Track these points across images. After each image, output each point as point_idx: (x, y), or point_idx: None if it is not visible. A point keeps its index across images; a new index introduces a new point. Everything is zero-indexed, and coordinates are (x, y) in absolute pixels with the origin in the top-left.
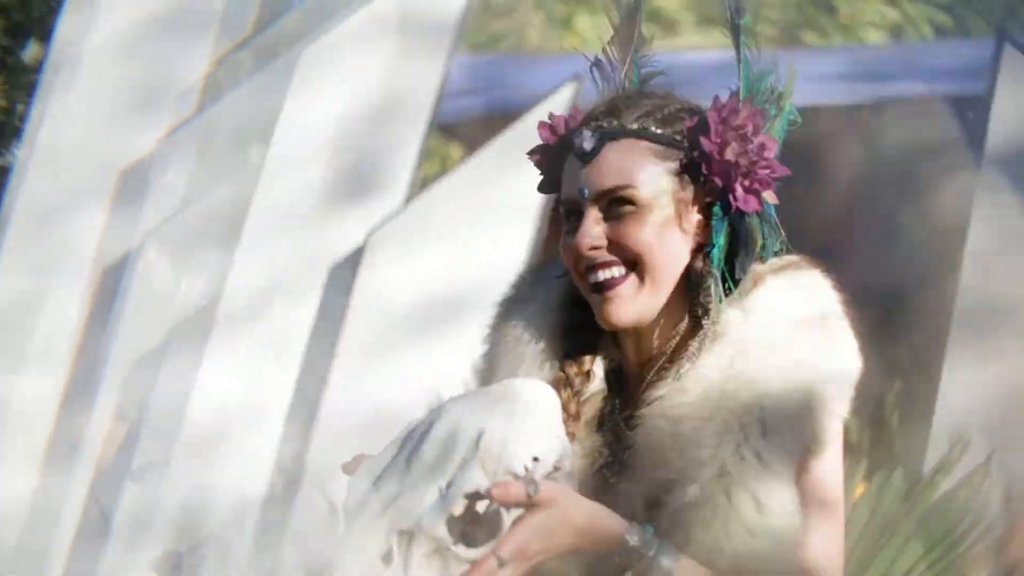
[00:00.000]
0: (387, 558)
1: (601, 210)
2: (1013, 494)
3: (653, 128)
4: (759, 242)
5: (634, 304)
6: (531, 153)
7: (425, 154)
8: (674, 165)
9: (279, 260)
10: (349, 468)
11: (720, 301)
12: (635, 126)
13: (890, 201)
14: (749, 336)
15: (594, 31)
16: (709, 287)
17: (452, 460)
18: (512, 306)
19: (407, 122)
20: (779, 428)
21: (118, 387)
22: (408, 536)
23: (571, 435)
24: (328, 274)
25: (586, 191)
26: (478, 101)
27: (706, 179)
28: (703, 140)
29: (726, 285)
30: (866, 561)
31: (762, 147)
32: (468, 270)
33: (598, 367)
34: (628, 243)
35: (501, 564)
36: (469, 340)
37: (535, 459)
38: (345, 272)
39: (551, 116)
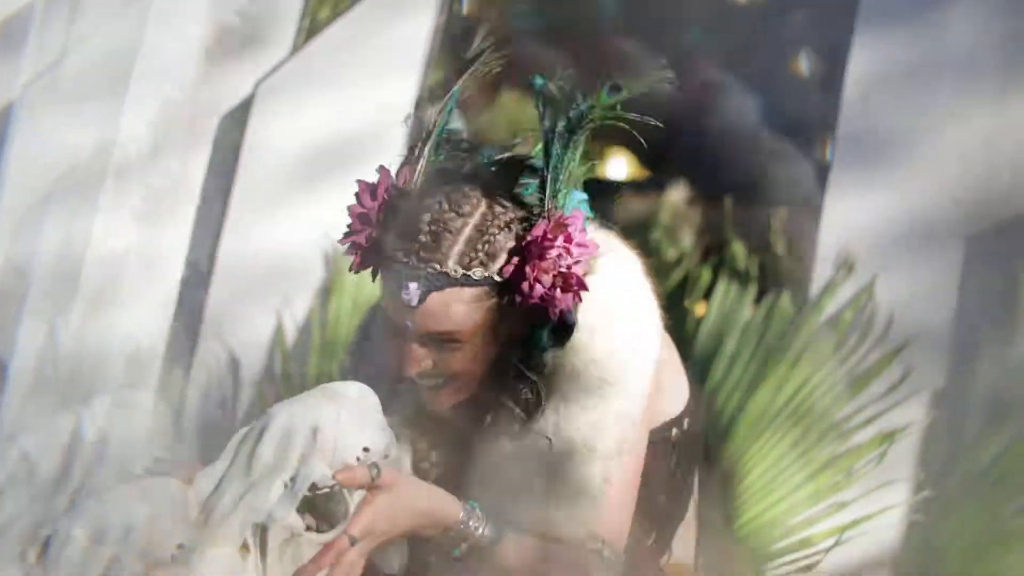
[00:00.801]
0: (243, 551)
1: (425, 342)
2: (895, 314)
3: (475, 274)
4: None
5: (454, 398)
6: (343, 242)
7: (313, 4)
8: (493, 302)
9: (168, 111)
10: (187, 477)
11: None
12: (458, 274)
13: (772, 27)
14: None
15: None
16: (525, 378)
17: (291, 456)
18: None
19: None
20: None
21: (7, 237)
22: (261, 528)
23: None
24: (218, 125)
25: (410, 327)
26: None
27: (522, 310)
28: (523, 287)
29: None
30: (756, 383)
31: (581, 248)
32: (358, 116)
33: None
34: (452, 367)
35: (352, 542)
36: (366, 176)
37: (365, 449)
38: (235, 122)
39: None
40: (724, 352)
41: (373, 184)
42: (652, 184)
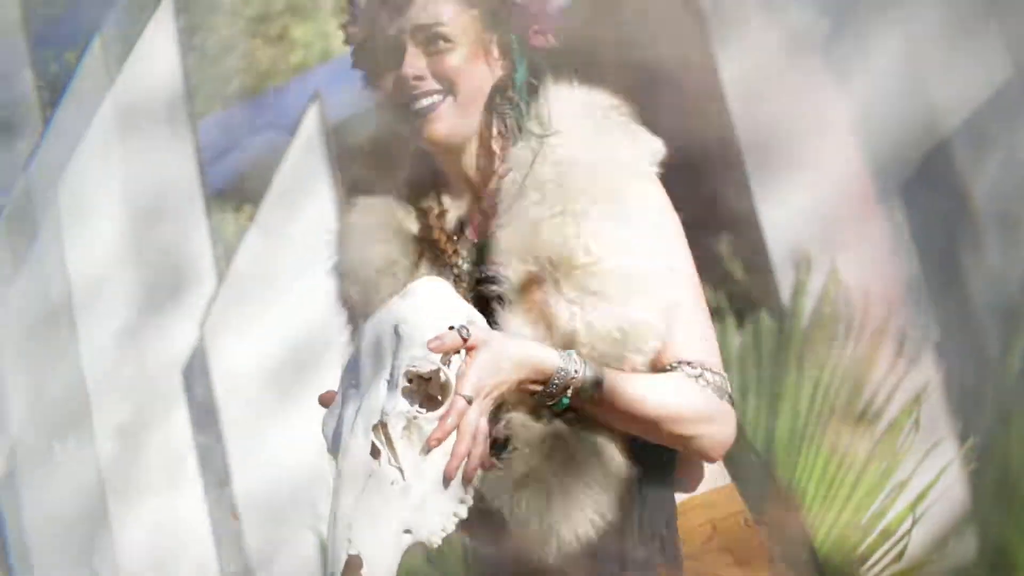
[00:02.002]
0: (374, 452)
1: (418, 46)
2: (865, 285)
3: None
4: (547, 74)
5: (450, 121)
6: (354, 65)
7: (217, 230)
8: (476, 12)
9: (129, 374)
10: (326, 399)
11: (523, 118)
12: None
13: None
14: (554, 140)
15: (312, 34)
16: (510, 96)
17: (385, 356)
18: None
19: (184, 210)
20: (608, 201)
21: None
22: (381, 426)
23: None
24: (183, 378)
25: (405, 28)
26: (240, 154)
27: (505, 21)
28: None
29: (528, 110)
30: (775, 404)
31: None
32: (303, 311)
33: (448, 205)
34: (445, 70)
35: (468, 401)
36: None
37: (451, 327)
38: (198, 369)
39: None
40: (733, 389)
41: None
42: None
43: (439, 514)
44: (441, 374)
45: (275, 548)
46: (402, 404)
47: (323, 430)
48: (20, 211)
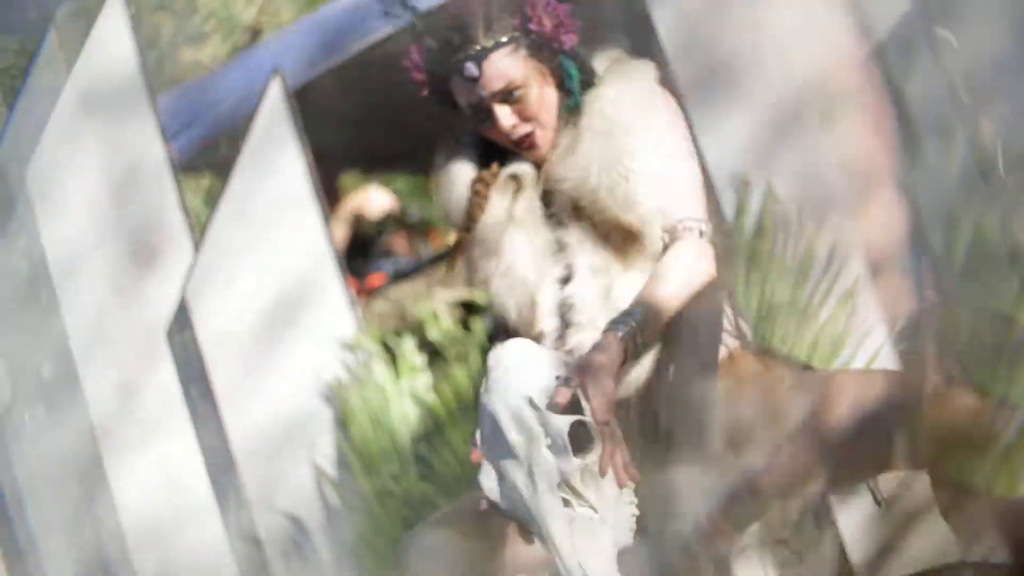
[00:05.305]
0: (566, 503)
1: (501, 101)
2: (804, 200)
3: (502, 38)
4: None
5: (543, 143)
6: (420, 91)
7: (185, 200)
8: (523, 51)
9: (114, 340)
10: (476, 457)
11: (578, 96)
12: (490, 43)
13: None
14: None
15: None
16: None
17: (533, 427)
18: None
19: (154, 184)
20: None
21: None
22: (564, 484)
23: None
24: (167, 338)
25: (485, 96)
26: (201, 129)
27: (544, 46)
28: (531, 26)
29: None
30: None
31: (558, 5)
32: (283, 265)
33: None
34: (528, 112)
35: (608, 424)
36: (321, 318)
37: (557, 377)
38: (183, 329)
39: (408, 62)
40: None
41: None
42: None
43: (626, 518)
44: (581, 424)
45: (272, 483)
46: (574, 462)
47: (484, 483)
48: None
